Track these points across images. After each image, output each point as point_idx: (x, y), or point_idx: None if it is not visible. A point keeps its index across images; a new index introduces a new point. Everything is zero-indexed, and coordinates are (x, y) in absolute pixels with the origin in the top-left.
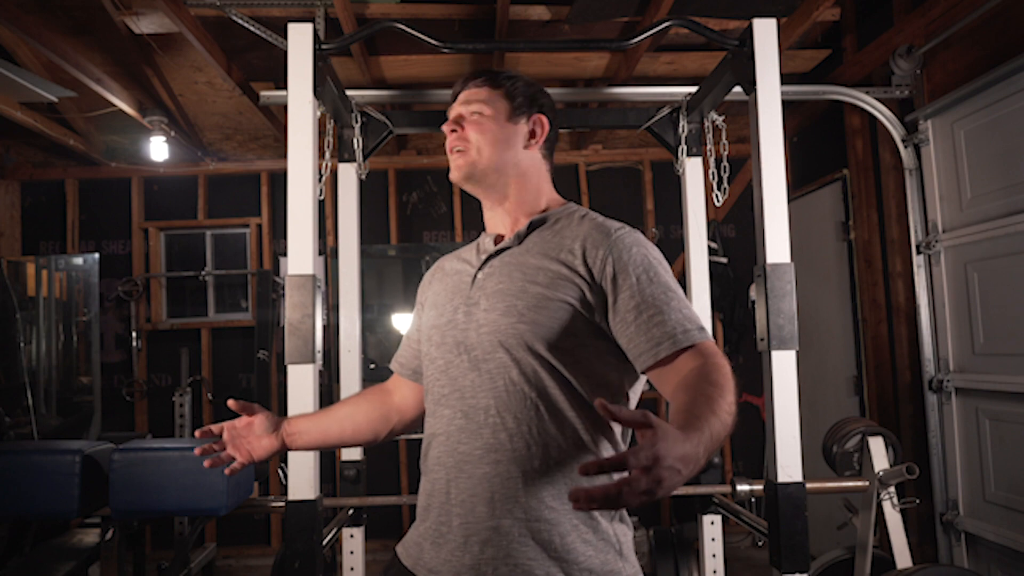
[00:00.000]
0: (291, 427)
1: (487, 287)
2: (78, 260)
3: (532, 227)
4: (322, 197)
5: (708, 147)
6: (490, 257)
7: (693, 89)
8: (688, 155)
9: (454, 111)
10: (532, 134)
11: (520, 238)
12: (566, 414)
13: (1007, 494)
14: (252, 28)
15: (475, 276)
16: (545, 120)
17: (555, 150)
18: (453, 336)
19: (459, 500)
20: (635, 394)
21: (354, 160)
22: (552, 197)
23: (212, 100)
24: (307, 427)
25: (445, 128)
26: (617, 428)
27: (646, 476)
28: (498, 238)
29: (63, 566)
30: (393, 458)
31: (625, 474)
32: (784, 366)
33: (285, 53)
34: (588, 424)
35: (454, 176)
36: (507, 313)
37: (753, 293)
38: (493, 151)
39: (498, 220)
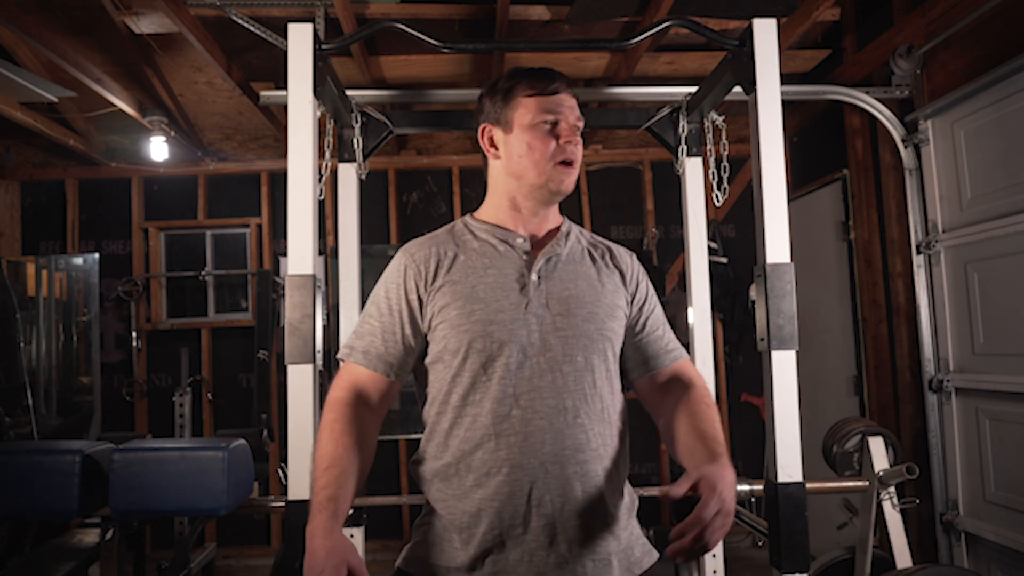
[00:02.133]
0: (343, 516)
1: (553, 291)
2: (78, 260)
3: (567, 238)
4: (322, 197)
5: (708, 147)
6: (546, 261)
7: (693, 89)
8: (688, 155)
9: (567, 116)
10: None
11: (564, 246)
12: (620, 414)
13: (1007, 494)
14: (252, 28)
15: (532, 277)
16: None
17: None
18: (523, 336)
19: (543, 500)
20: None
21: (354, 160)
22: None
23: (212, 100)
24: (348, 500)
25: (562, 135)
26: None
27: (721, 516)
28: (534, 239)
29: (63, 566)
30: (393, 458)
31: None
32: (784, 366)
33: (285, 53)
34: (624, 419)
35: (568, 189)
36: (589, 319)
37: (753, 293)
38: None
39: (530, 226)
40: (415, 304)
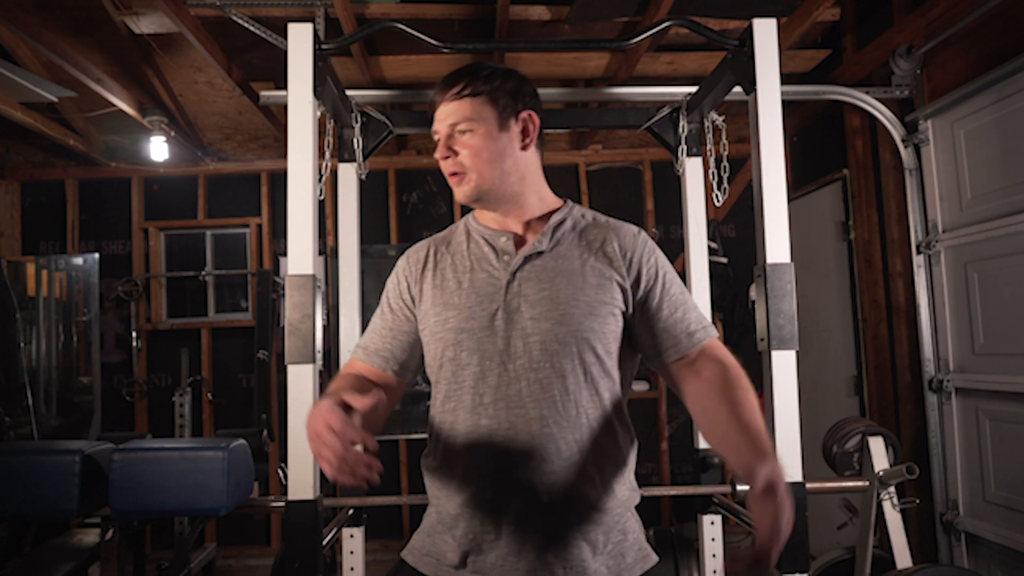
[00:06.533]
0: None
1: (528, 294)
2: (78, 260)
3: (555, 229)
4: (322, 197)
5: (708, 147)
6: (524, 261)
7: (693, 89)
8: (688, 155)
9: (439, 130)
10: (524, 133)
11: (548, 241)
12: (610, 415)
13: (1007, 494)
14: (252, 28)
15: (508, 281)
16: (535, 115)
17: (555, 149)
18: (492, 344)
19: (512, 510)
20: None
21: (354, 160)
22: (549, 194)
23: (212, 100)
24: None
25: (437, 155)
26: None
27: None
28: (517, 238)
29: (63, 566)
30: (393, 458)
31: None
32: (784, 366)
33: (285, 53)
34: (621, 418)
35: (461, 200)
36: (562, 321)
37: (753, 293)
38: (492, 169)
39: (508, 222)
40: (409, 303)
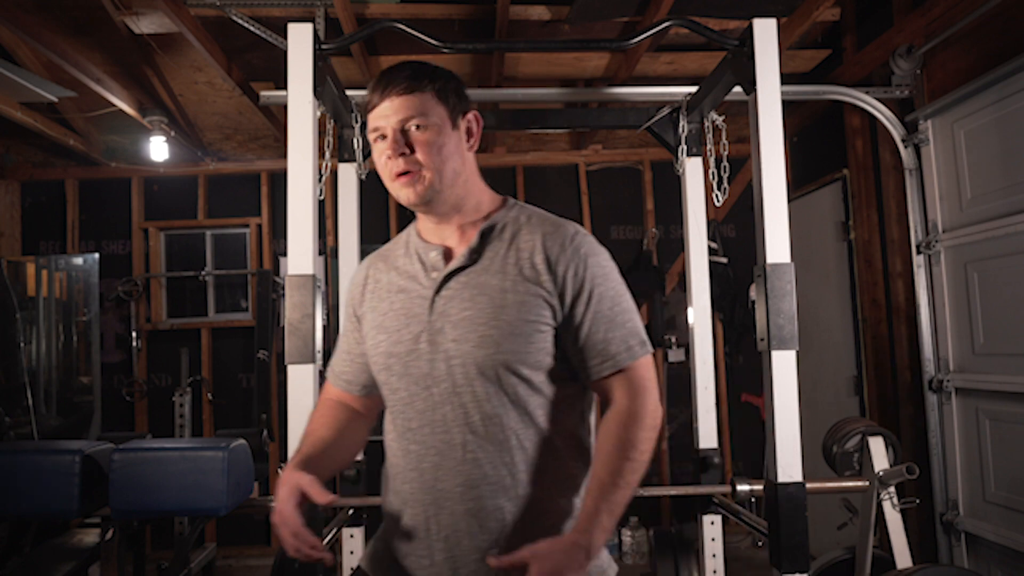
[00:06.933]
0: (311, 467)
1: (451, 314)
2: (78, 260)
3: (483, 238)
4: (322, 197)
5: (708, 147)
6: (447, 278)
7: (693, 89)
8: (688, 155)
9: (387, 125)
10: (469, 134)
11: (475, 254)
12: (548, 434)
13: (1007, 494)
14: (252, 28)
15: (432, 300)
16: (479, 116)
17: (555, 149)
18: (418, 368)
19: (442, 536)
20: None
21: (354, 160)
22: (488, 196)
23: (212, 100)
24: (321, 458)
25: (385, 149)
26: (592, 419)
27: None
28: (447, 251)
29: (63, 566)
30: None
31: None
32: (784, 366)
33: (285, 53)
34: (566, 435)
35: (410, 202)
36: (481, 344)
37: (753, 293)
38: (449, 168)
39: (443, 231)
40: (357, 325)
